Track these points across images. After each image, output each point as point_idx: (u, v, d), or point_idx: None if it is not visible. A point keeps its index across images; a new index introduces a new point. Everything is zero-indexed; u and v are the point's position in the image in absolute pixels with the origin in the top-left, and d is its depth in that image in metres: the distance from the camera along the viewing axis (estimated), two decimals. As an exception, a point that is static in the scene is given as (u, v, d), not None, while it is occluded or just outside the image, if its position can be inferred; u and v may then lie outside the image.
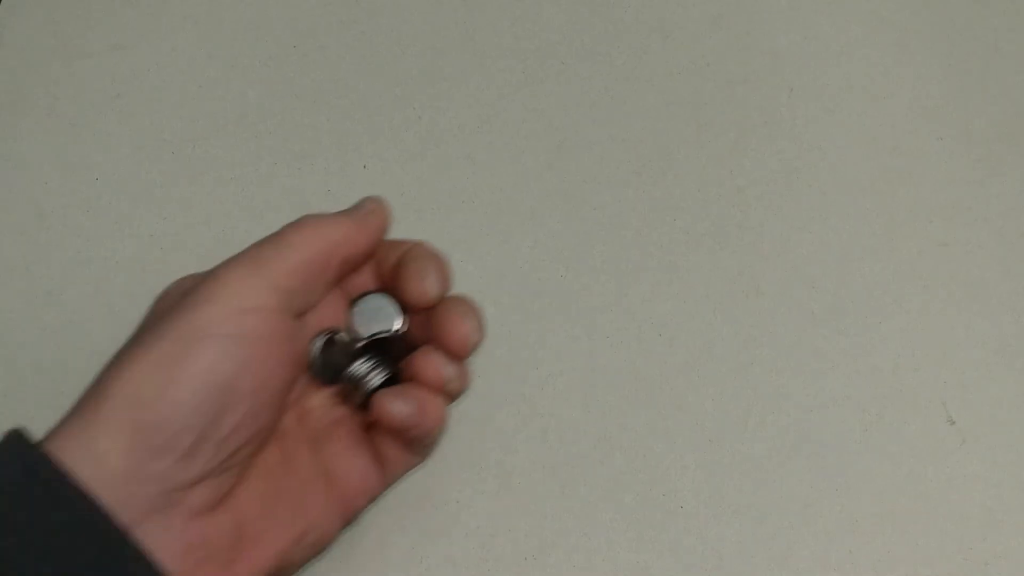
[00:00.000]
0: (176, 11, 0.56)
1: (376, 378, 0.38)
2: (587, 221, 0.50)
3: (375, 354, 0.39)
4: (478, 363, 0.45)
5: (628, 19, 0.57)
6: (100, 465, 0.32)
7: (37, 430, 0.44)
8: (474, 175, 0.52)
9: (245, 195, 0.50)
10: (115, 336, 0.46)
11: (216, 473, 0.34)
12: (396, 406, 0.37)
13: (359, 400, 0.38)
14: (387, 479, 0.39)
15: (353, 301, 0.39)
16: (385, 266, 0.39)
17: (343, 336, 0.38)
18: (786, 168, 0.52)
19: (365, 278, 0.40)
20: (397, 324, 0.39)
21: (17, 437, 0.33)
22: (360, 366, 0.38)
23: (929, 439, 0.44)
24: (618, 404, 0.45)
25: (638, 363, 0.46)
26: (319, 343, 0.38)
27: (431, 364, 0.38)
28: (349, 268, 0.38)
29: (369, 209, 0.39)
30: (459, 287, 0.48)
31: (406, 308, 0.39)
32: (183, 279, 0.37)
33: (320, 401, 0.39)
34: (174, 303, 0.35)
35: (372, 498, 0.39)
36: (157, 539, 0.32)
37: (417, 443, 0.38)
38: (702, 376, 0.45)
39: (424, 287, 0.38)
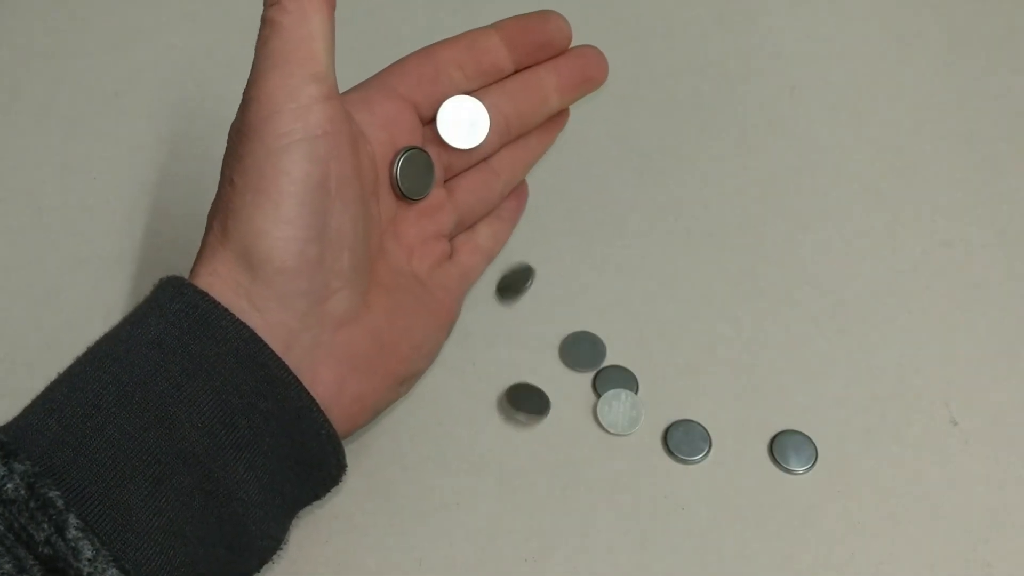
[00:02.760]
0: (175, 9, 0.56)
1: None
2: (587, 221, 0.50)
3: None
4: (478, 363, 0.45)
5: (629, 18, 0.57)
6: (246, 298, 0.35)
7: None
8: (474, 175, 0.52)
9: (244, 194, 0.50)
10: (113, 336, 0.46)
11: (347, 278, 0.37)
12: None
13: None
14: (468, 282, 0.44)
15: (434, 120, 0.42)
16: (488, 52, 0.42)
17: (423, 152, 0.41)
18: (788, 167, 0.52)
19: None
20: (484, 128, 0.42)
21: (173, 279, 0.35)
22: None
23: (932, 440, 0.44)
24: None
25: (639, 364, 0.45)
26: (401, 160, 0.40)
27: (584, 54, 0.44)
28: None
29: None
30: (459, 287, 0.47)
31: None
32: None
33: (412, 222, 0.42)
34: (235, 139, 0.36)
35: (461, 303, 0.43)
36: (311, 353, 0.36)
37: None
38: (703, 376, 0.45)
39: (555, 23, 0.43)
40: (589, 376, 0.45)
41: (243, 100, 0.36)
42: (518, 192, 0.48)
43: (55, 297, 0.47)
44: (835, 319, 0.47)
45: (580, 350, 0.46)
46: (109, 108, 0.53)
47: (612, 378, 0.45)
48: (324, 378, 0.36)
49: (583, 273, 0.48)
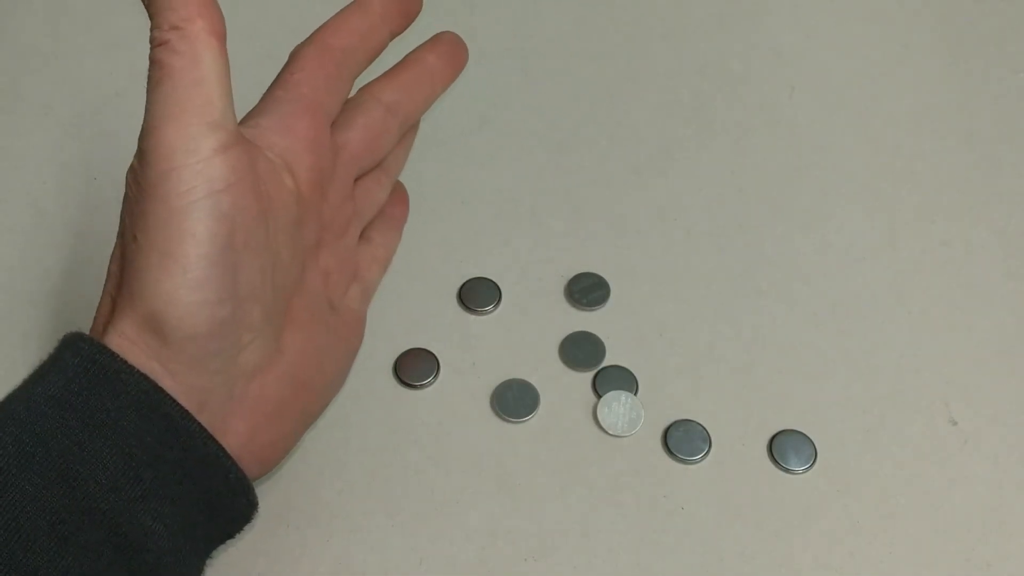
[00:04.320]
0: (175, 10, 0.56)
1: None
2: (587, 221, 0.50)
3: None
4: (479, 363, 0.45)
5: (628, 19, 0.57)
6: (157, 360, 0.33)
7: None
8: (474, 175, 0.52)
9: (244, 195, 0.50)
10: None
11: (258, 329, 0.35)
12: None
13: None
14: (369, 297, 0.43)
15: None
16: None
17: None
18: (787, 168, 0.52)
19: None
20: None
21: (74, 335, 0.34)
22: None
23: (931, 440, 0.44)
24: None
25: (639, 364, 0.45)
26: None
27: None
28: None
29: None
30: (458, 286, 0.48)
31: None
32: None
33: (330, 244, 0.40)
34: (135, 190, 0.33)
35: (365, 321, 0.42)
36: (224, 408, 0.35)
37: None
38: (703, 377, 0.45)
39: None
40: (589, 376, 0.45)
41: (139, 149, 0.33)
42: (401, 196, 0.46)
43: (55, 297, 0.47)
44: (835, 319, 0.47)
45: (580, 350, 0.46)
46: (109, 108, 0.53)
47: (612, 378, 0.45)
48: (236, 429, 0.35)
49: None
